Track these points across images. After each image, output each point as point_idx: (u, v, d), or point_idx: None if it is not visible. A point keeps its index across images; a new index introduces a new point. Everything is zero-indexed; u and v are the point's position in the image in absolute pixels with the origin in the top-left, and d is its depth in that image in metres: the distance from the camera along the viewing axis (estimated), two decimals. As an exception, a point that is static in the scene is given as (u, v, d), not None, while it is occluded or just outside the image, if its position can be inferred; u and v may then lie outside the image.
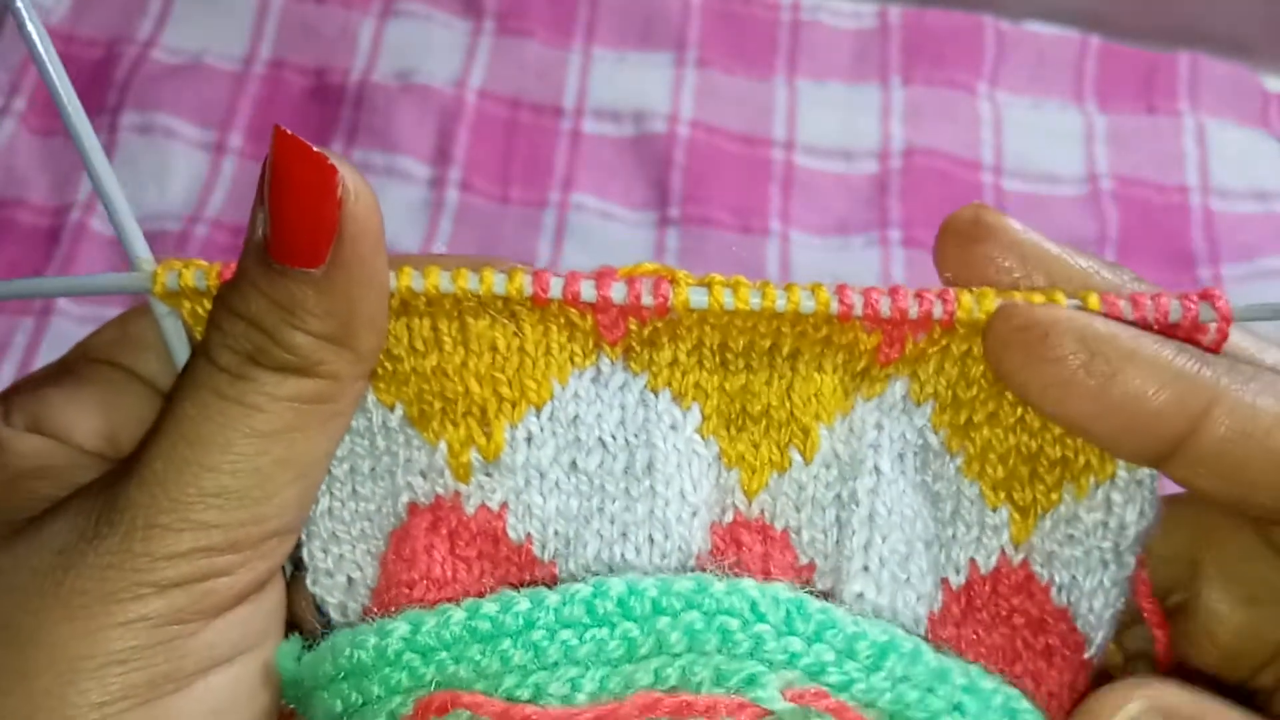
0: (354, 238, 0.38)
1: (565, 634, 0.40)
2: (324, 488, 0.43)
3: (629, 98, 1.29)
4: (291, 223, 0.38)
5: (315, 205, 0.38)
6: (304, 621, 0.46)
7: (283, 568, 0.43)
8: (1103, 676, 0.45)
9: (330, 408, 0.40)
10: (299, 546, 0.44)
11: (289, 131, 0.38)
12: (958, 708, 0.40)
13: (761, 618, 0.39)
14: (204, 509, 0.38)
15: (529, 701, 0.39)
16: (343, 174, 0.38)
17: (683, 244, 1.19)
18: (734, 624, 0.39)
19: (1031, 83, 1.35)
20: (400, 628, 0.40)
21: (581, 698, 0.39)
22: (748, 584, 0.40)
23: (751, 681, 0.38)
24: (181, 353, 0.44)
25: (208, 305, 0.41)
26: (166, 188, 1.20)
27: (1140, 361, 0.39)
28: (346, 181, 0.38)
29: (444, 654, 0.39)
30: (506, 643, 0.39)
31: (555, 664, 0.39)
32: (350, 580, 0.43)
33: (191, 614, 0.39)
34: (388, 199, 1.19)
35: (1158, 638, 0.45)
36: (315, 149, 0.38)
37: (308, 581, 0.44)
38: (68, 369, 0.45)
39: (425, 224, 1.19)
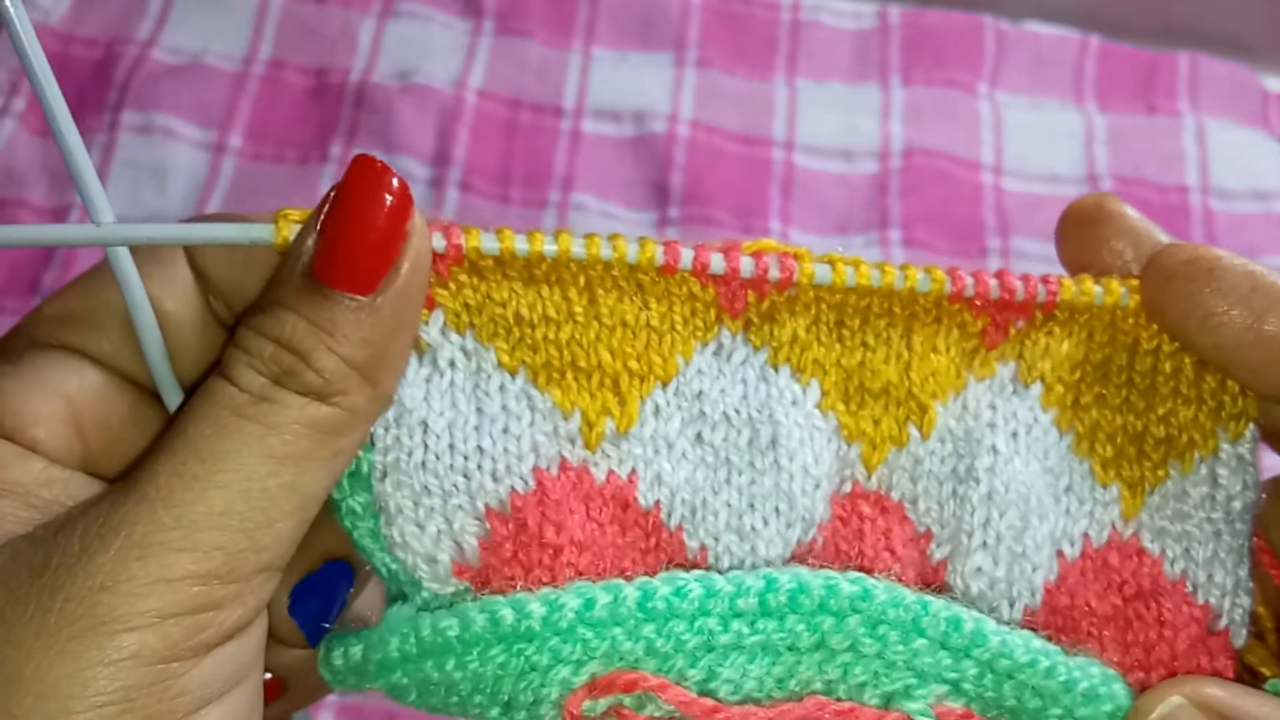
0: (411, 273, 0.39)
1: (737, 623, 0.42)
2: (419, 440, 0.43)
3: (629, 98, 1.29)
4: (355, 245, 0.38)
5: (384, 232, 0.38)
6: (273, 625, 0.44)
7: None
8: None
9: (338, 442, 0.39)
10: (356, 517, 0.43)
11: (374, 157, 0.39)
12: (1070, 713, 0.43)
13: (921, 632, 0.43)
14: (207, 529, 0.37)
15: (702, 681, 0.42)
16: (415, 208, 0.39)
17: (683, 244, 1.20)
18: (894, 636, 0.43)
19: (1031, 83, 1.35)
20: (572, 601, 0.41)
21: (750, 683, 0.43)
22: (909, 597, 0.43)
23: (907, 693, 0.43)
24: (149, 328, 0.41)
25: None
26: (166, 188, 1.20)
27: None
28: (415, 217, 0.39)
29: (618, 629, 0.41)
30: (681, 625, 0.42)
31: (725, 649, 0.42)
32: (439, 533, 0.43)
33: (184, 651, 0.37)
34: (388, 199, 1.20)
35: None
36: (397, 176, 0.38)
37: (392, 535, 0.43)
38: (10, 356, 0.41)
39: (425, 224, 1.19)
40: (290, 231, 0.40)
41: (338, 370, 0.38)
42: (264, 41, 1.30)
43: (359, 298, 0.38)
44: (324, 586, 0.46)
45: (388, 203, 0.38)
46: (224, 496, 0.37)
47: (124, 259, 0.41)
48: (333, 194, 0.39)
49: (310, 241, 0.39)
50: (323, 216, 0.39)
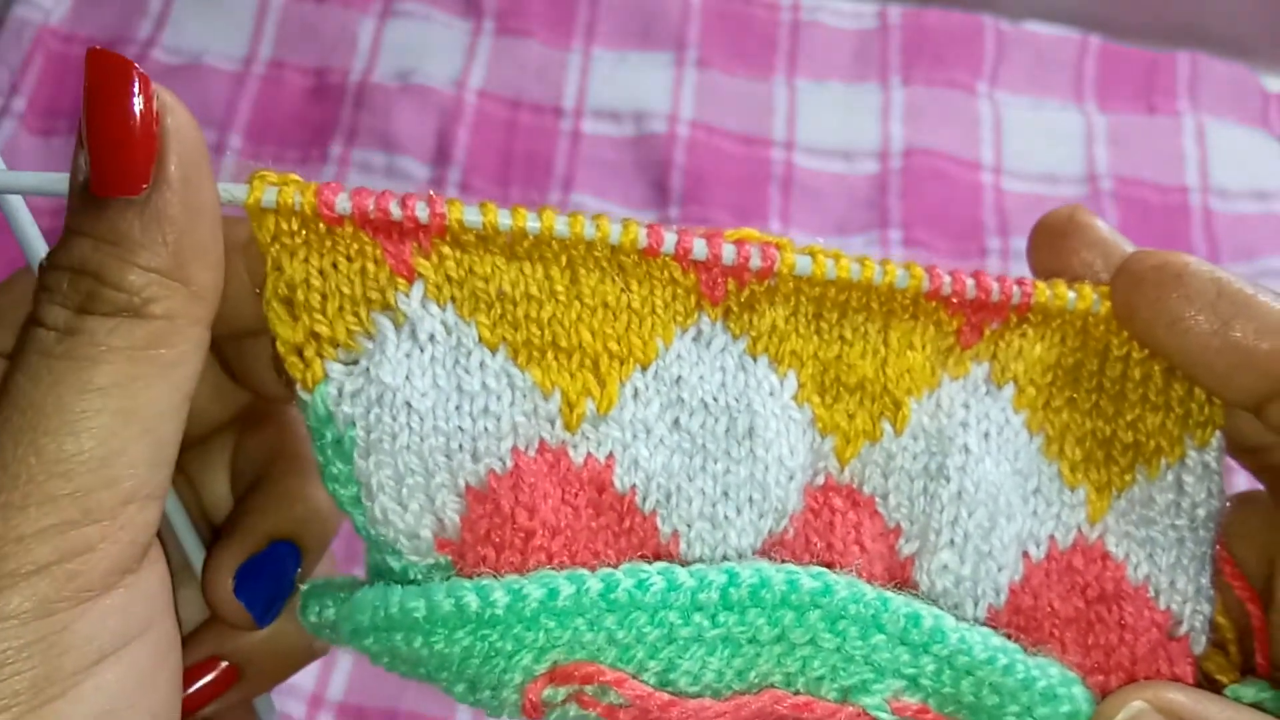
0: (176, 155, 0.36)
1: (697, 616, 0.42)
2: (403, 422, 0.42)
3: (629, 98, 1.29)
4: (111, 146, 0.36)
5: (139, 124, 0.36)
6: (220, 606, 0.45)
7: (168, 552, 0.41)
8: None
9: (169, 354, 0.38)
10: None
11: (101, 49, 0.36)
12: (1028, 711, 0.44)
13: (881, 628, 0.43)
14: (46, 478, 0.35)
15: (662, 673, 0.43)
16: (158, 90, 0.36)
17: (682, 244, 1.20)
18: (854, 631, 0.43)
19: (1031, 83, 1.35)
20: (536, 591, 0.41)
21: (710, 675, 0.43)
22: (869, 594, 0.43)
23: (864, 687, 0.44)
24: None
25: (295, 228, 0.40)
26: (166, 188, 1.20)
27: (1260, 306, 0.43)
28: (164, 96, 0.36)
29: (580, 620, 0.42)
30: (642, 617, 0.42)
31: (685, 642, 0.43)
32: (421, 510, 0.43)
33: (60, 602, 0.36)
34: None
35: (1251, 611, 0.47)
36: (125, 60, 0.36)
37: (374, 510, 0.42)
38: None
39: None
40: (263, 193, 0.39)
41: (139, 280, 0.37)
42: (264, 41, 1.30)
43: (134, 199, 0.36)
44: (271, 568, 0.46)
45: (132, 90, 0.36)
46: (54, 442, 0.36)
47: (22, 215, 0.39)
48: (84, 105, 0.36)
49: (82, 159, 0.37)
50: (85, 129, 0.36)
